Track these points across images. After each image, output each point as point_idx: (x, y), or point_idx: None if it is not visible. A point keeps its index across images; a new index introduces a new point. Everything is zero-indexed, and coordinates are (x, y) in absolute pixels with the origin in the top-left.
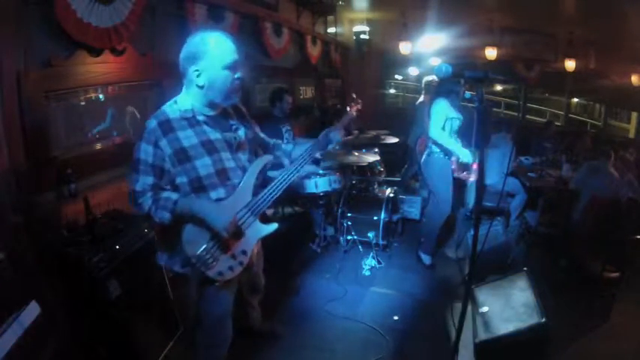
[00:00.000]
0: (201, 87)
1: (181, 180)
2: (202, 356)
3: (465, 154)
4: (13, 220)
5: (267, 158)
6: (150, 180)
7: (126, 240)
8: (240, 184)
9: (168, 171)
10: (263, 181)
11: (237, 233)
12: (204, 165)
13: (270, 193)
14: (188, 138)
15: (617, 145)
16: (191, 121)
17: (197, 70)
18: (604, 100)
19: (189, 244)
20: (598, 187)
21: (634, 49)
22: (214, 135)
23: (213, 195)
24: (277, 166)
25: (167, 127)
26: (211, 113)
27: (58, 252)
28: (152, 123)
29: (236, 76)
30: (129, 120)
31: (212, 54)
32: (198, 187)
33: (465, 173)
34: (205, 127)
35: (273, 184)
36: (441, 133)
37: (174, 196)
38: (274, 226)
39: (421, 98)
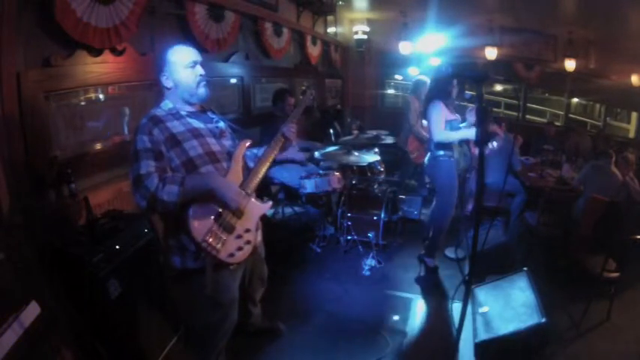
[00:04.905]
0: (170, 88)
1: (175, 163)
2: (203, 343)
3: (472, 134)
4: (13, 220)
5: (248, 141)
6: (152, 162)
7: (126, 240)
8: (232, 166)
9: (165, 155)
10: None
11: (239, 211)
12: (192, 147)
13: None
14: (175, 127)
15: (617, 145)
16: (176, 115)
17: (164, 75)
18: (604, 100)
19: (195, 228)
20: (600, 186)
21: (634, 49)
22: (198, 124)
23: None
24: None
25: (156, 119)
26: (192, 109)
27: (58, 252)
28: (143, 120)
29: (198, 73)
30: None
31: (173, 58)
32: (191, 167)
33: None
34: (189, 119)
35: (257, 163)
36: (443, 132)
37: (179, 174)
38: (269, 203)
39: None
